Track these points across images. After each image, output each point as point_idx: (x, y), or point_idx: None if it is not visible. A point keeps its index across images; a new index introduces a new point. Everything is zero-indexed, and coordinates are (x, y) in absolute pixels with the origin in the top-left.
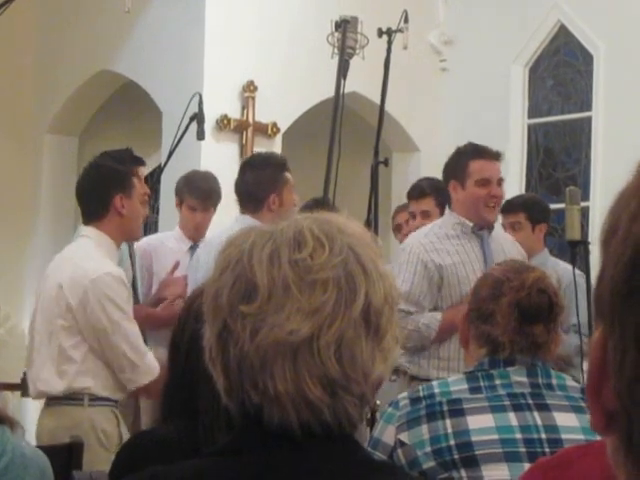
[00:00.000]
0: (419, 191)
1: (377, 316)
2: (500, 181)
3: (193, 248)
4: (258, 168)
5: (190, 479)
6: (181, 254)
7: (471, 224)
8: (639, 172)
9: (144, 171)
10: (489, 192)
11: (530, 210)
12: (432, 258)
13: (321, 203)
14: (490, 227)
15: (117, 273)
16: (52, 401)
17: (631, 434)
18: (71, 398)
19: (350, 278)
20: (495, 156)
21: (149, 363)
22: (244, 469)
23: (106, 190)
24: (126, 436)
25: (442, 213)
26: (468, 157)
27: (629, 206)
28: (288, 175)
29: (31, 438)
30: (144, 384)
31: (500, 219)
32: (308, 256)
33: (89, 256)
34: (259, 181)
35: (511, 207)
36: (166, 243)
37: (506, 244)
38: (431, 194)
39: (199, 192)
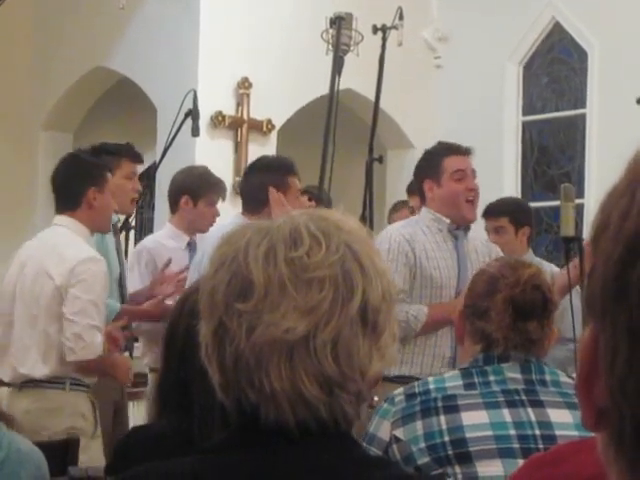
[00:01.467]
0: None
1: (374, 314)
2: (474, 174)
3: (190, 244)
4: (263, 171)
5: (187, 475)
6: (180, 252)
7: (447, 221)
8: (630, 169)
9: (138, 168)
10: (466, 186)
11: (512, 213)
12: (412, 247)
13: (311, 192)
14: (467, 226)
15: (98, 257)
16: (29, 383)
17: (622, 430)
18: (52, 382)
19: (347, 276)
20: (466, 151)
21: (95, 342)
22: (241, 466)
23: (81, 183)
24: (98, 422)
25: None
26: (440, 155)
27: (620, 203)
28: (293, 180)
29: None
30: (84, 360)
31: (483, 223)
32: (305, 254)
33: (71, 243)
34: (262, 184)
35: (494, 211)
36: (164, 243)
37: (480, 246)
38: None
39: (219, 187)
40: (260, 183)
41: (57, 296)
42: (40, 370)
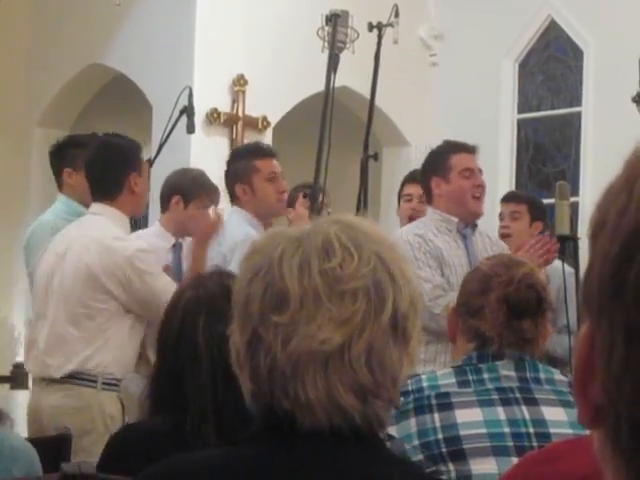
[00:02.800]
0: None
1: (404, 321)
2: (481, 172)
3: (176, 246)
4: (230, 162)
5: (215, 465)
6: (164, 252)
7: (456, 220)
8: (627, 166)
9: None
10: (474, 182)
11: (532, 204)
12: (429, 247)
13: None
14: (474, 223)
15: (145, 246)
16: (59, 380)
17: (619, 428)
18: (83, 379)
19: (378, 287)
20: (473, 149)
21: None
22: (272, 457)
23: (121, 169)
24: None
25: None
26: (448, 152)
27: (617, 200)
28: (261, 162)
29: (21, 429)
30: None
31: (500, 208)
32: (337, 265)
33: (114, 235)
34: (229, 173)
35: (515, 197)
36: (149, 240)
37: (489, 244)
38: None
39: (213, 192)
40: (228, 173)
41: (108, 293)
42: (72, 366)
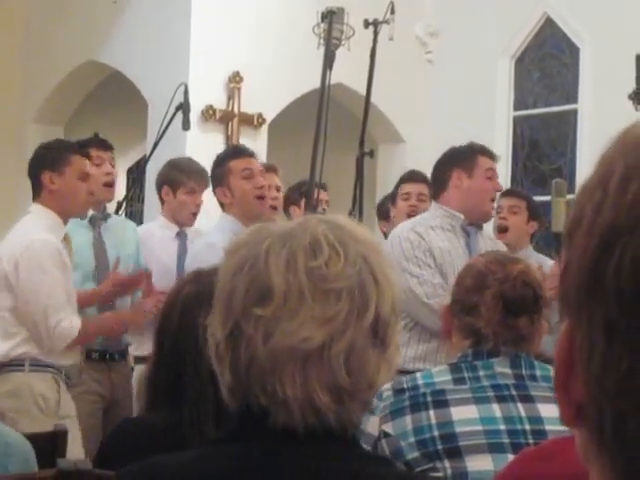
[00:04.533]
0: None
1: (385, 326)
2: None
3: (180, 235)
4: (211, 170)
5: (190, 465)
6: (169, 241)
7: (461, 217)
8: (602, 163)
9: (107, 155)
10: (494, 186)
11: (531, 202)
12: (428, 246)
13: (304, 185)
14: (483, 223)
15: (46, 238)
16: None
17: (602, 426)
18: (12, 364)
19: (363, 289)
20: (497, 158)
21: (62, 330)
22: (246, 455)
23: (36, 168)
24: (66, 402)
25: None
26: (474, 151)
27: (593, 197)
28: (233, 163)
29: None
30: (63, 347)
31: (499, 202)
32: (324, 264)
33: (24, 228)
34: (212, 183)
35: (515, 192)
36: (153, 232)
37: (490, 242)
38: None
39: (198, 174)
40: (212, 181)
41: (8, 280)
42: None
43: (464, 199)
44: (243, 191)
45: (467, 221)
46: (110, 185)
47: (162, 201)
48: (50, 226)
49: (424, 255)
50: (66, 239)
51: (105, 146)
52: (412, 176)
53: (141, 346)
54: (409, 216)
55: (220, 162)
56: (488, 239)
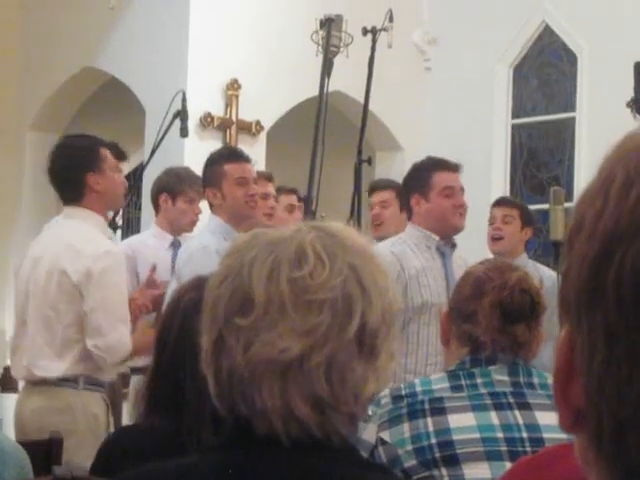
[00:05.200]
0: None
1: (372, 336)
2: (462, 191)
3: (174, 244)
4: (205, 167)
5: (177, 474)
6: (163, 251)
7: (436, 237)
8: (603, 170)
9: (122, 166)
10: (454, 202)
11: (524, 210)
12: (402, 266)
13: (290, 191)
14: (453, 242)
15: (116, 250)
16: (43, 382)
17: (601, 431)
18: (65, 380)
19: (347, 300)
20: (456, 168)
21: (121, 344)
22: (231, 465)
23: (78, 171)
24: (112, 424)
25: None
26: (429, 169)
27: (594, 204)
28: (230, 167)
29: (9, 430)
30: (118, 361)
31: (492, 212)
32: (308, 274)
33: (85, 237)
34: (202, 179)
35: (507, 201)
36: (146, 242)
37: (462, 264)
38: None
39: (198, 184)
40: (202, 178)
41: (75, 295)
42: (53, 370)
43: (426, 221)
44: (234, 197)
45: (442, 241)
46: (125, 196)
47: (157, 208)
48: (102, 231)
49: (394, 276)
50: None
51: (123, 157)
52: (372, 187)
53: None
54: (375, 226)
55: (214, 162)
56: (461, 261)
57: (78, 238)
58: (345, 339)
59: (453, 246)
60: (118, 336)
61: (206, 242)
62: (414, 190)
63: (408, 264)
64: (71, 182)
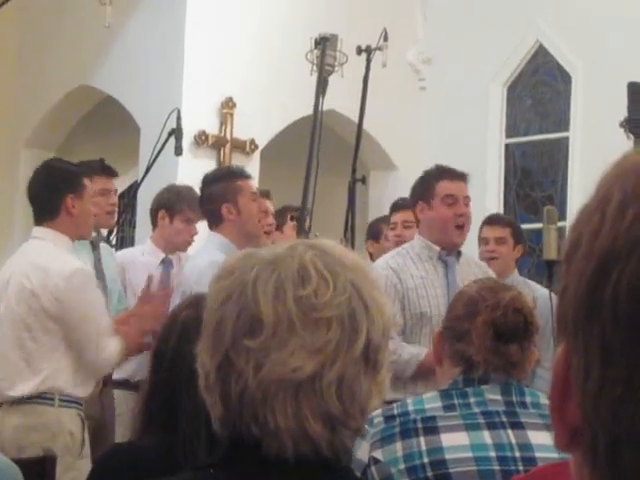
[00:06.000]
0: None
1: (376, 352)
2: (467, 200)
3: (165, 262)
4: (210, 183)
5: None
6: (153, 268)
7: (438, 248)
8: (600, 189)
9: (112, 183)
10: (456, 211)
11: (514, 228)
12: (400, 278)
13: (291, 210)
14: (456, 251)
15: (84, 268)
16: (17, 400)
17: (596, 450)
18: (41, 397)
19: (353, 317)
20: (461, 176)
21: (107, 356)
22: None
23: (57, 191)
24: (87, 442)
25: None
26: (434, 178)
27: (591, 222)
28: (243, 183)
29: None
30: (107, 372)
31: (483, 232)
32: (313, 292)
33: (53, 257)
34: (212, 194)
35: (499, 220)
36: (138, 257)
37: (477, 270)
38: None
39: (197, 204)
40: (209, 196)
41: (45, 314)
42: (27, 388)
43: (429, 230)
44: (250, 212)
45: (444, 252)
46: (113, 213)
47: (155, 224)
48: (67, 250)
49: (387, 292)
50: None
51: (112, 174)
52: (397, 205)
53: (118, 369)
54: (397, 245)
55: (224, 179)
56: (474, 265)
57: (46, 258)
58: (354, 355)
59: (458, 254)
60: (104, 351)
61: (215, 258)
62: (419, 198)
63: (407, 276)
64: (49, 201)
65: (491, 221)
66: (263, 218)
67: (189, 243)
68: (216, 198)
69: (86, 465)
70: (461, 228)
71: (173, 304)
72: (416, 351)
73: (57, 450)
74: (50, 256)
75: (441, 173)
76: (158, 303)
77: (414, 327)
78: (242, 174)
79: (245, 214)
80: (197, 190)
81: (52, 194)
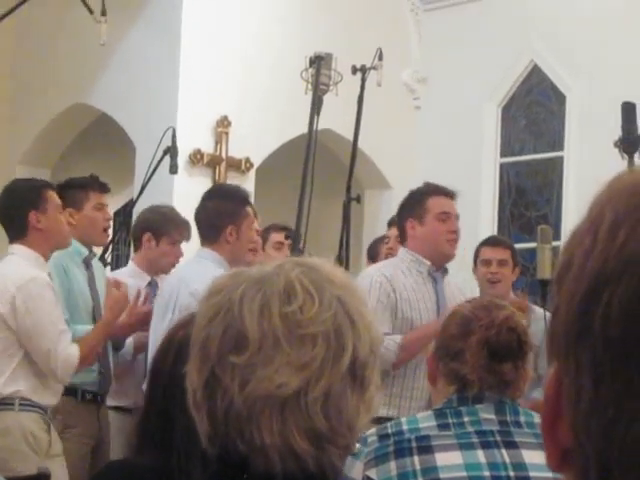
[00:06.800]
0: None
1: (363, 368)
2: (457, 217)
3: (151, 284)
4: (220, 198)
5: None
6: (138, 290)
7: (428, 263)
8: (592, 209)
9: (106, 198)
10: (448, 228)
11: (513, 250)
12: (393, 287)
13: (282, 229)
14: (445, 269)
15: (41, 277)
16: None
17: (587, 471)
18: (1, 403)
19: (339, 333)
20: (452, 194)
21: (66, 360)
22: None
23: (19, 209)
24: (56, 441)
25: None
26: (426, 194)
27: (583, 243)
28: (250, 210)
29: None
30: (70, 376)
31: (485, 253)
32: (298, 309)
33: (14, 268)
34: (219, 211)
35: (502, 242)
36: (125, 281)
37: (456, 292)
38: None
39: (183, 225)
40: (216, 210)
41: (3, 322)
42: None
43: (420, 246)
44: (250, 240)
45: (433, 267)
46: (109, 229)
47: (138, 246)
48: (35, 265)
49: (380, 300)
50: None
51: (105, 190)
52: (392, 220)
53: (117, 396)
54: (386, 258)
55: (236, 200)
56: (455, 289)
57: (7, 267)
58: (340, 372)
59: (445, 271)
60: (62, 354)
61: (215, 273)
62: (409, 214)
63: (399, 286)
64: (14, 220)
65: (493, 243)
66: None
67: (174, 265)
68: (223, 216)
69: (57, 465)
70: (453, 242)
71: (165, 324)
72: (391, 336)
73: (22, 452)
74: (12, 265)
75: (433, 190)
76: (139, 317)
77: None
78: (248, 201)
79: (244, 241)
80: (182, 210)
81: (16, 213)
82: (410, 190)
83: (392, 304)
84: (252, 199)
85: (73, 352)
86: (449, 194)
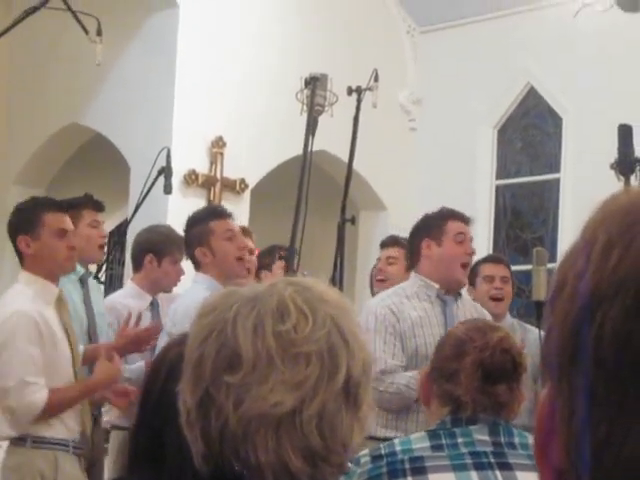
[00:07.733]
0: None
1: (356, 387)
2: (472, 240)
3: (153, 304)
4: (188, 228)
5: None
6: (143, 311)
7: (436, 286)
8: (585, 231)
9: (100, 216)
10: (465, 250)
11: (511, 269)
12: (397, 318)
13: (280, 249)
14: (458, 291)
15: (25, 310)
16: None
17: None
18: (17, 439)
19: (333, 352)
20: (469, 220)
21: (27, 404)
22: None
23: (13, 234)
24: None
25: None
26: (444, 217)
27: (576, 265)
28: (215, 224)
29: None
30: (29, 421)
31: (487, 270)
32: (292, 328)
33: (8, 300)
34: (187, 240)
35: (502, 260)
36: (125, 302)
37: (473, 310)
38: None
39: (182, 244)
40: (186, 242)
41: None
42: (3, 431)
43: (436, 268)
44: (225, 252)
45: (443, 290)
46: (104, 246)
47: (139, 267)
48: (37, 293)
49: (388, 331)
50: (60, 301)
51: (100, 208)
52: (384, 242)
53: (118, 414)
54: (378, 280)
55: (199, 222)
56: (470, 306)
57: (3, 301)
58: (334, 390)
59: (457, 294)
60: (24, 399)
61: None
62: (426, 234)
63: (404, 315)
64: (15, 245)
65: (495, 260)
66: (245, 255)
67: (175, 284)
68: (190, 243)
69: None
70: (466, 267)
71: (159, 344)
72: (410, 374)
73: None
74: (7, 297)
75: (451, 214)
76: (142, 342)
77: (408, 365)
78: (215, 214)
79: (220, 255)
80: (176, 230)
81: (13, 238)
82: (426, 214)
83: (398, 335)
84: (247, 220)
85: (38, 399)
86: (466, 220)
